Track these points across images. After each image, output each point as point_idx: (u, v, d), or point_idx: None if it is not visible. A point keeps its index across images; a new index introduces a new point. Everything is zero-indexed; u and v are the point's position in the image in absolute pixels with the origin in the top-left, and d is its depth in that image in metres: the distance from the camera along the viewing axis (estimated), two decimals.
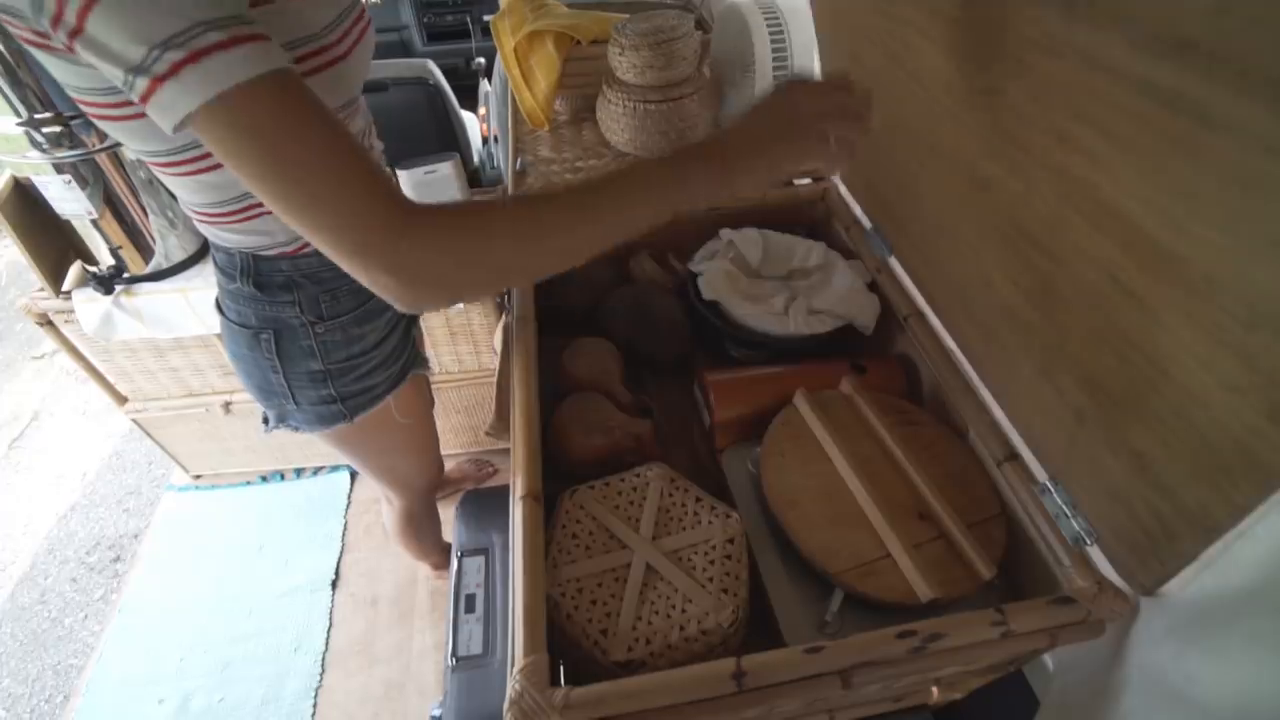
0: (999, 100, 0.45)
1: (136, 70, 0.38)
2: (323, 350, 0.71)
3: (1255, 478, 0.33)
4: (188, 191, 0.59)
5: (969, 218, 0.59)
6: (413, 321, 0.86)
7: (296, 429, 0.78)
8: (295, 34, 0.52)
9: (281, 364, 0.71)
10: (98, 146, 1.01)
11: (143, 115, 0.47)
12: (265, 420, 0.79)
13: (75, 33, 0.38)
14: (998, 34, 0.42)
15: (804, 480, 0.64)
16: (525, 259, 0.48)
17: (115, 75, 0.39)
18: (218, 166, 0.56)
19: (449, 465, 1.61)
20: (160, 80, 0.37)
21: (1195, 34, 0.27)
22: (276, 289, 0.67)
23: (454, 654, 0.91)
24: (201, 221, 0.63)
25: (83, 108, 0.51)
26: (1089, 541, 0.53)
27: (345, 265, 0.43)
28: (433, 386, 1.40)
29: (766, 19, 0.94)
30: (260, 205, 0.60)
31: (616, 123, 1.01)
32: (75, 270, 1.19)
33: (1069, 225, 0.42)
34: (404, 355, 0.81)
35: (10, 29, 0.45)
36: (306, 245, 0.65)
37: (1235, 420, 0.34)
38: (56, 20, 0.38)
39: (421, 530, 1.16)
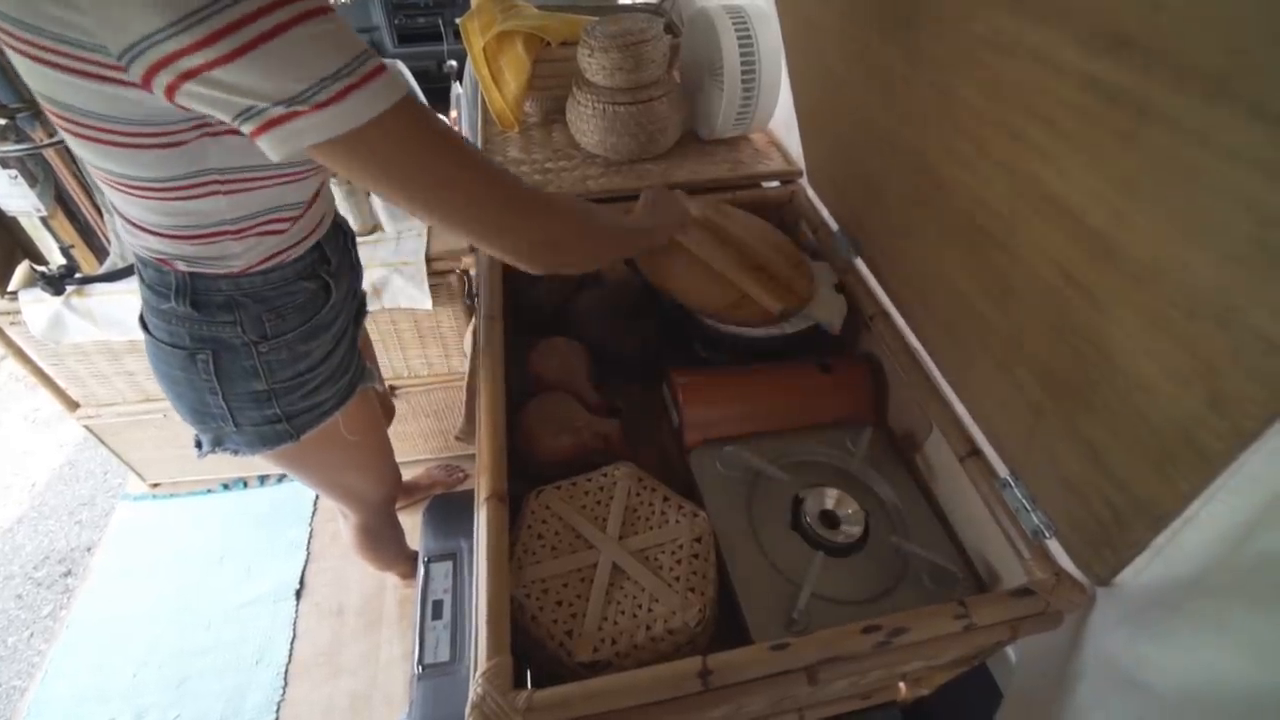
0: (954, 98, 0.46)
1: (290, 101, 0.40)
2: (267, 370, 0.67)
3: (1198, 465, 0.34)
4: (156, 214, 0.56)
5: (929, 216, 0.60)
6: (357, 334, 0.82)
7: (235, 452, 0.73)
8: None
9: (220, 385, 0.67)
10: (45, 141, 0.97)
11: (147, 146, 0.49)
12: (198, 444, 0.74)
13: (190, 75, 0.39)
14: (951, 32, 0.43)
15: (673, 263, 0.80)
16: (598, 246, 0.65)
17: (237, 105, 0.41)
18: (204, 195, 0.54)
19: (418, 470, 1.58)
20: (321, 106, 0.41)
21: (1133, 30, 0.28)
22: (215, 309, 0.63)
23: (420, 661, 0.89)
24: (147, 235, 0.59)
25: (72, 128, 0.48)
26: (1048, 534, 0.54)
27: (497, 247, 0.55)
28: (402, 390, 1.39)
29: (734, 23, 0.95)
30: (229, 233, 0.58)
31: (586, 124, 1.01)
32: (22, 269, 1.14)
33: (1022, 220, 0.43)
34: (351, 369, 0.77)
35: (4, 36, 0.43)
36: (252, 267, 0.62)
37: (1179, 409, 0.34)
38: (160, 68, 0.39)
39: (381, 543, 1.13)
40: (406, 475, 1.26)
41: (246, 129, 0.42)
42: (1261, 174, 0.25)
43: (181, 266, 0.61)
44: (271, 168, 0.55)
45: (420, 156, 0.47)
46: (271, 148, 0.43)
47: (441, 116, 0.56)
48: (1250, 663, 0.34)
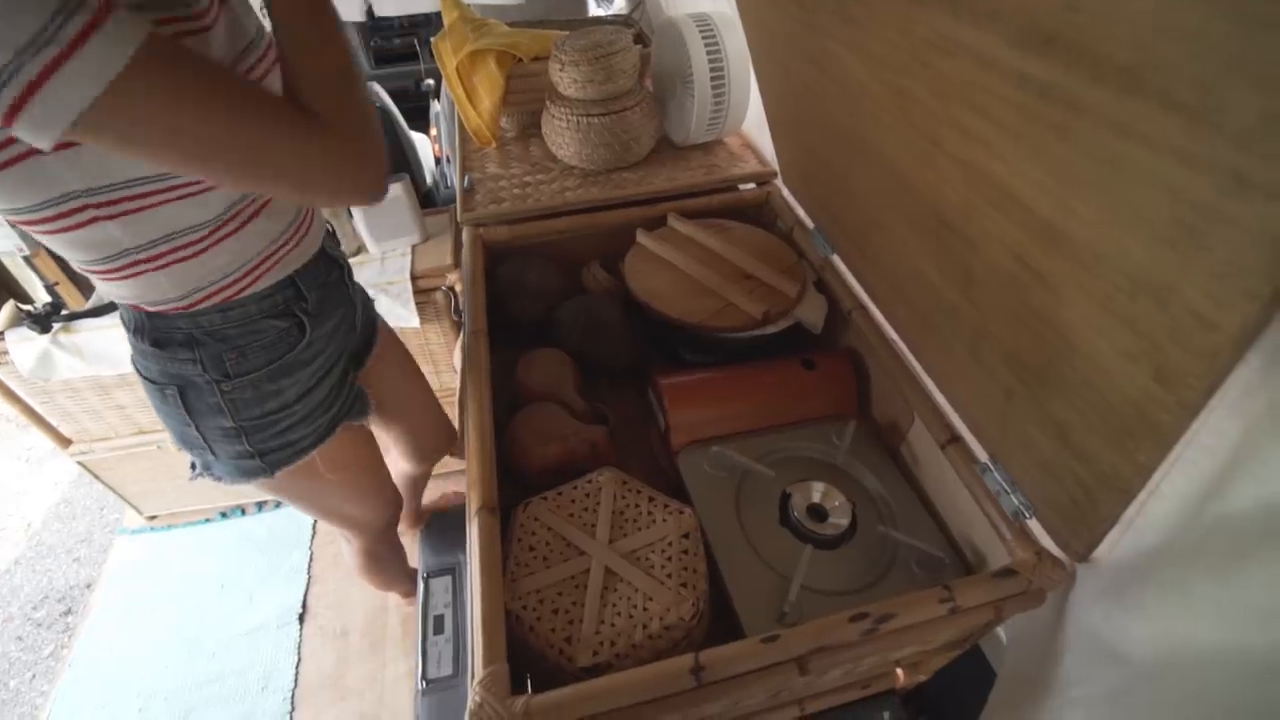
0: (908, 98, 0.48)
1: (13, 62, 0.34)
2: (232, 408, 0.66)
3: (1153, 438, 0.36)
4: (62, 248, 0.54)
5: (896, 211, 0.61)
6: (354, 369, 0.79)
7: (220, 480, 0.73)
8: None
9: (193, 418, 0.66)
10: None
11: None
12: (192, 465, 0.74)
13: None
14: (897, 36, 0.45)
15: (659, 279, 0.86)
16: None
17: None
18: (80, 225, 0.51)
19: (432, 494, 1.57)
20: (35, 86, 0.35)
21: (1055, 29, 0.30)
22: (176, 346, 0.62)
23: (424, 677, 0.89)
24: (90, 275, 0.58)
25: None
26: (1028, 515, 0.55)
27: (300, 199, 0.48)
28: None
29: (701, 31, 0.97)
30: (143, 262, 0.56)
31: (561, 137, 1.02)
32: (8, 309, 1.15)
33: (978, 211, 0.45)
34: (335, 406, 0.74)
35: None
36: (203, 300, 0.60)
37: (1131, 385, 0.36)
38: None
39: (383, 565, 1.12)
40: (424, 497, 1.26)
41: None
42: (1176, 160, 0.27)
43: (138, 304, 0.60)
44: (147, 183, 0.51)
45: (192, 103, 0.40)
46: (36, 138, 0.38)
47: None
48: (1213, 627, 0.36)
